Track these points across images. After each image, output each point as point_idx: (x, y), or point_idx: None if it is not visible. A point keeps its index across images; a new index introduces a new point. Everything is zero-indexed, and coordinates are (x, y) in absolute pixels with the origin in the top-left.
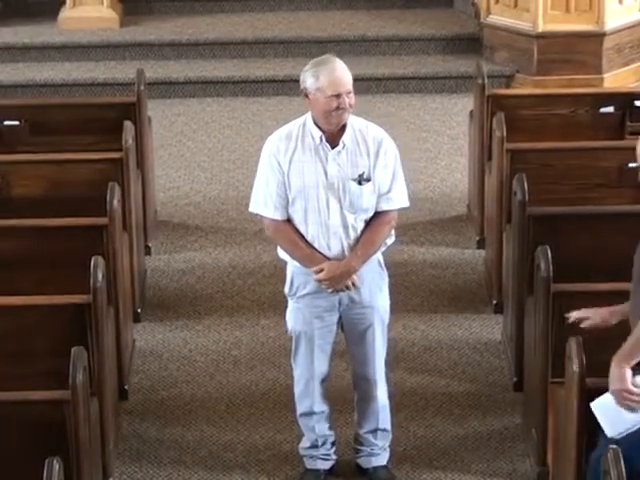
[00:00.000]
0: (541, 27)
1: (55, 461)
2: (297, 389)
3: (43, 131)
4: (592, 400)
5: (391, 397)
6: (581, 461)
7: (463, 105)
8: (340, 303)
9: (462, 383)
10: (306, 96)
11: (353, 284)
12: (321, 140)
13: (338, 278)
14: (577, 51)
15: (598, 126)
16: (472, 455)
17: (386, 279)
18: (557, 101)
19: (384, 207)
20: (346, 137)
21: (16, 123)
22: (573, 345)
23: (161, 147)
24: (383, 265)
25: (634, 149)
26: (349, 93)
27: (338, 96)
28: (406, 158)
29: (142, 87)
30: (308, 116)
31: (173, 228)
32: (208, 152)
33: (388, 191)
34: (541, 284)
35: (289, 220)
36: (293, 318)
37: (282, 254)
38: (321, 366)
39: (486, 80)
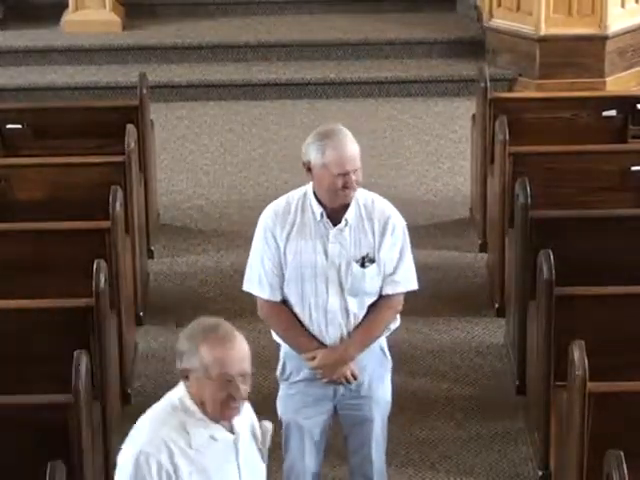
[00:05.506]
0: (543, 31)
1: (58, 465)
2: None
3: (45, 134)
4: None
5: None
6: (583, 465)
7: (466, 108)
8: (335, 393)
9: (464, 386)
10: (309, 170)
11: (353, 376)
12: (322, 216)
13: (332, 366)
14: (579, 55)
15: (600, 130)
16: (474, 458)
17: (389, 368)
18: (559, 105)
19: (389, 291)
20: (350, 214)
21: (19, 126)
22: (576, 349)
23: (163, 150)
24: (387, 352)
25: (638, 152)
26: (356, 170)
27: (345, 174)
28: (408, 162)
29: (145, 90)
30: (309, 187)
31: (175, 231)
32: (210, 155)
33: (393, 273)
34: (543, 287)
35: (285, 301)
36: (283, 405)
37: (275, 336)
38: (312, 460)
39: (488, 83)
